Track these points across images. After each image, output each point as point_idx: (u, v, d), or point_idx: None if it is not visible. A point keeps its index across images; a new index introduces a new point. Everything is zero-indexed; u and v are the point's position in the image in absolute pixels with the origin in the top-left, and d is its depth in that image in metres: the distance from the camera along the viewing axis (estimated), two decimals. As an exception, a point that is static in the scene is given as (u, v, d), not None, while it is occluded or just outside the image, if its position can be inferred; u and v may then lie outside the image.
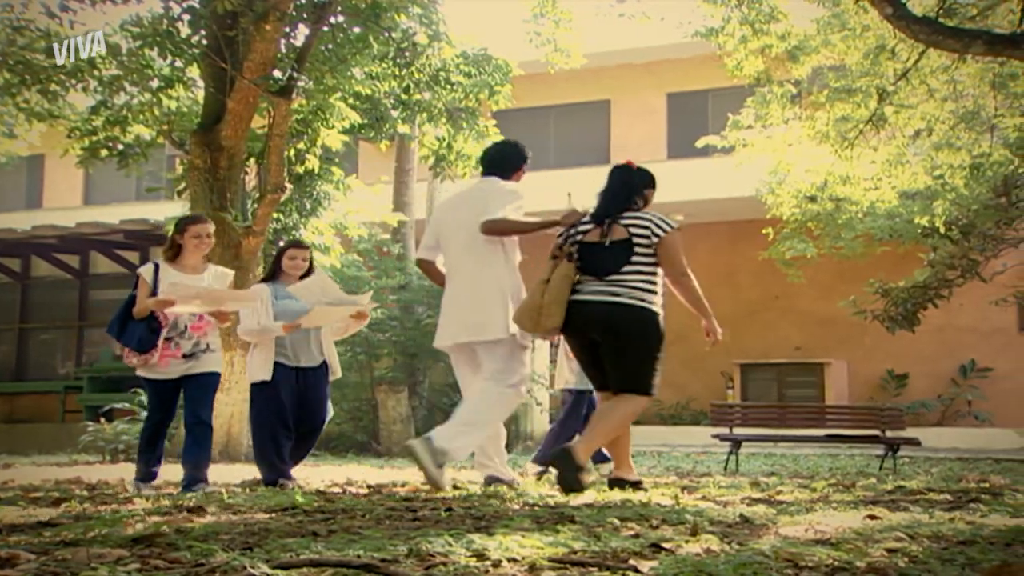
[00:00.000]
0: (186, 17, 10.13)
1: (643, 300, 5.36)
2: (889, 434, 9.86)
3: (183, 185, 11.31)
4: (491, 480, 5.72)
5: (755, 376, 18.48)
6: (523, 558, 2.86)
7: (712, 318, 5.59)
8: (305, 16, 10.44)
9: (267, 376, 6.52)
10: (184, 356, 6.30)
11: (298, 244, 7.12)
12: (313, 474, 7.55)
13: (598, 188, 5.73)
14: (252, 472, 7.31)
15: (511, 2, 19.45)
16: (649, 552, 3.02)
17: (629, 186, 5.58)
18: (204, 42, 10.21)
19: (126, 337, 6.25)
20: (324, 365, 6.84)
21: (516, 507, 4.39)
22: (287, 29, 10.42)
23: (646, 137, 20.91)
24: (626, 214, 5.46)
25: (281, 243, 13.69)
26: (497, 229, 5.47)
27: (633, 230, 5.38)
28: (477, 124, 12.51)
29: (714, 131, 15.11)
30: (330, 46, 10.98)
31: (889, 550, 3.06)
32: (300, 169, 12.24)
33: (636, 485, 5.61)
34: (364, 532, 3.44)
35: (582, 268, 5.41)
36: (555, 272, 5.34)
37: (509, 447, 13.80)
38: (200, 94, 11.19)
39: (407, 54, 11.77)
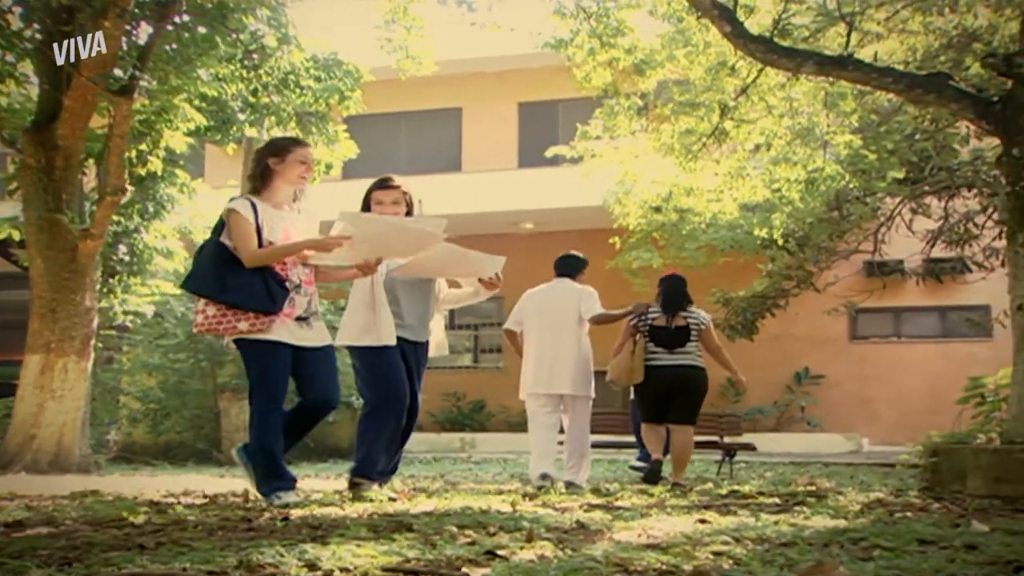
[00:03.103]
0: (17, 9, 9.71)
1: (700, 363, 7.67)
2: (727, 440, 10.12)
3: (15, 185, 10.83)
4: (568, 484, 7.13)
5: (601, 384, 18.71)
6: (356, 567, 2.84)
7: (738, 372, 7.93)
8: (148, 14, 10.14)
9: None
10: (297, 319, 5.02)
11: (384, 184, 5.65)
12: (148, 484, 7.31)
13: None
14: (84, 484, 7.03)
15: (363, 8, 19.34)
16: (483, 559, 3.04)
17: (681, 290, 7.82)
18: (38, 36, 9.80)
19: (238, 295, 4.82)
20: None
21: (355, 516, 4.36)
22: (128, 27, 10.09)
23: (497, 145, 21.06)
24: (682, 311, 7.72)
25: (121, 247, 13.29)
26: (601, 320, 7.52)
27: (690, 320, 7.68)
28: (327, 129, 12.41)
29: (564, 141, 15.31)
30: (174, 46, 10.70)
31: (715, 553, 3.15)
32: (142, 171, 11.90)
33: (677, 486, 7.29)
34: (194, 544, 3.35)
35: (652, 341, 7.65)
36: (637, 346, 7.60)
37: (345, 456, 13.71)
38: (34, 90, 10.75)
39: (255, 56, 11.59)
